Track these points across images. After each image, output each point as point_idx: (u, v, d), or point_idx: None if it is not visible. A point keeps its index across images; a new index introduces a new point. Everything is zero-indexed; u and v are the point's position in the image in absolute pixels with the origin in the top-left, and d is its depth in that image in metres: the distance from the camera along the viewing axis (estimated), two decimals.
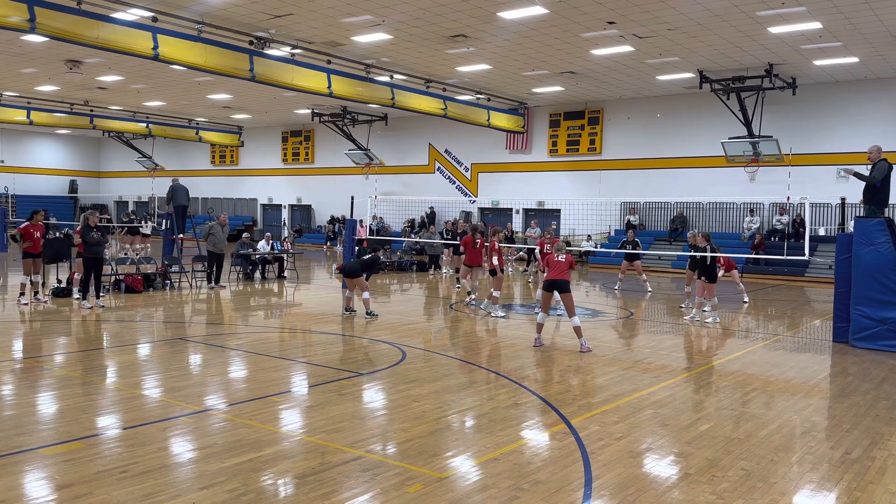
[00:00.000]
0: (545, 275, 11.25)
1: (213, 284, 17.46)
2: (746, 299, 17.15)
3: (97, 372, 8.80)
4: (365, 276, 13.69)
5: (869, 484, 5.53)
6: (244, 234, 22.00)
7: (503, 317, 13.87)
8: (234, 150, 41.93)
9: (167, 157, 43.01)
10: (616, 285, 19.39)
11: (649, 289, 19.21)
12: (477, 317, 14.14)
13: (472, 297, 15.69)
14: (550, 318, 12.79)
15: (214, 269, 17.57)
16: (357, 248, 17.03)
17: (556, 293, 10.91)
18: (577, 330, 10.57)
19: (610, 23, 17.60)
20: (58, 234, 24.89)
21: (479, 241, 15.61)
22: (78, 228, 14.28)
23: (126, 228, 27.55)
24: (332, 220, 36.53)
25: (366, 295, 13.65)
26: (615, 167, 28.77)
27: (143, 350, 10.32)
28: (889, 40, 18.64)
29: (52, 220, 36.01)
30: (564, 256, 10.75)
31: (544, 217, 30.39)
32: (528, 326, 12.89)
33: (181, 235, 17.67)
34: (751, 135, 23.02)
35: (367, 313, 13.44)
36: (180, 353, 10.02)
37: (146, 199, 41.79)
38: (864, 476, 5.69)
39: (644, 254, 21.52)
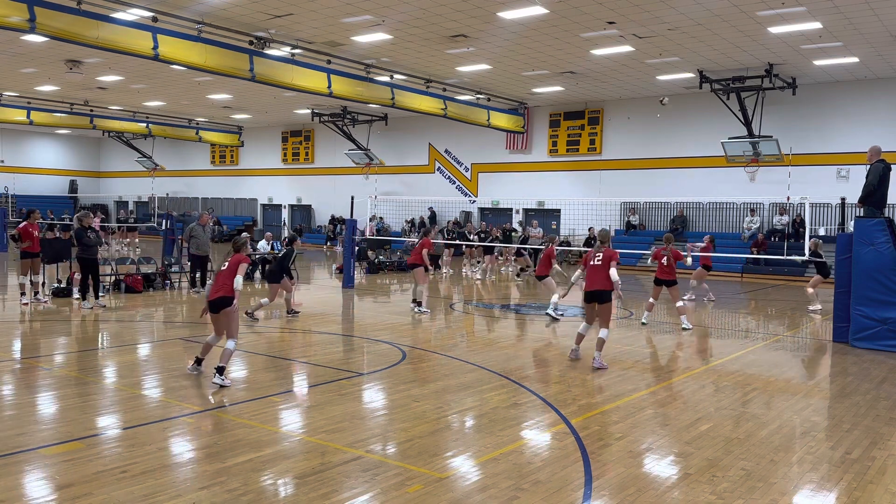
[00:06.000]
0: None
1: (197, 288, 16.37)
2: (699, 298, 17.20)
3: (97, 372, 8.80)
4: (290, 268, 13.31)
5: (869, 484, 5.53)
6: (244, 234, 21.97)
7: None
8: (234, 150, 41.93)
9: (167, 157, 43.02)
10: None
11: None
12: (475, 316, 14.14)
13: (415, 302, 14.52)
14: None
15: (199, 272, 16.62)
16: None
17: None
18: (600, 342, 9.54)
19: (610, 23, 17.60)
20: (58, 235, 24.91)
21: (420, 242, 14.62)
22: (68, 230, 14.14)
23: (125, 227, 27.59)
24: (333, 221, 36.54)
25: (264, 301, 12.89)
26: (615, 167, 28.76)
27: (143, 350, 10.33)
28: (889, 40, 18.64)
29: (53, 220, 36.04)
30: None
31: (544, 217, 30.39)
32: (527, 326, 12.89)
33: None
34: (751, 135, 23.02)
35: (289, 312, 13.25)
36: (180, 353, 10.01)
37: (146, 199, 41.80)
38: (864, 476, 5.69)
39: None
